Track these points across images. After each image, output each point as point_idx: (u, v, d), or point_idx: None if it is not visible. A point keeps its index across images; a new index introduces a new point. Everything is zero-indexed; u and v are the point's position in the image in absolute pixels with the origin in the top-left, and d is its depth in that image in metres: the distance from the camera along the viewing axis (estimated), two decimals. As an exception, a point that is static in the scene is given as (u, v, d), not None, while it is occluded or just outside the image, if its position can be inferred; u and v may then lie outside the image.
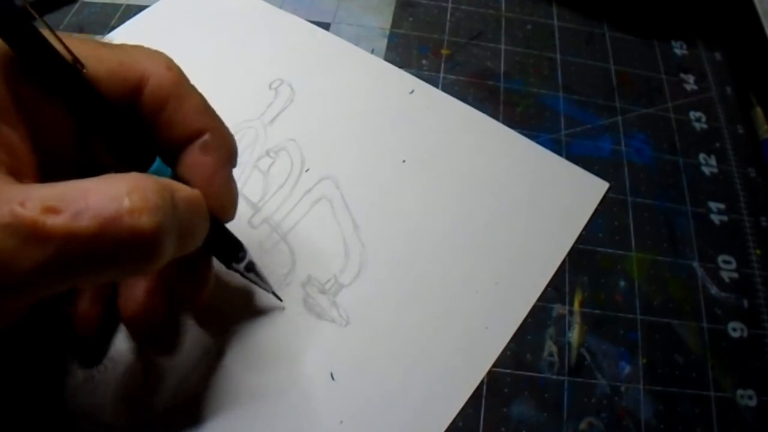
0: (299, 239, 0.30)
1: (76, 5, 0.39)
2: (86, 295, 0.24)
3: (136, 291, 0.24)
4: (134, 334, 0.26)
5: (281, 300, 0.27)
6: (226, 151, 0.23)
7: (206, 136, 0.22)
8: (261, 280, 0.26)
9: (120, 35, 0.37)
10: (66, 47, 0.19)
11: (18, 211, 0.15)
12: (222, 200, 0.23)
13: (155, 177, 0.18)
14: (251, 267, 0.25)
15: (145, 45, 0.23)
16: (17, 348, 0.25)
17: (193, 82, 0.22)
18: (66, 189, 0.16)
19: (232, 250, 0.25)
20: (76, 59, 0.19)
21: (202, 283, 0.24)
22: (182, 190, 0.19)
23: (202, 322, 0.27)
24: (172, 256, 0.18)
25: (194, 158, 0.22)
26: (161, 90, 0.21)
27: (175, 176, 0.21)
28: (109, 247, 0.16)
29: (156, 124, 0.22)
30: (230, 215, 0.24)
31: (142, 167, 0.20)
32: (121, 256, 0.16)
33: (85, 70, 0.19)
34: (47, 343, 0.25)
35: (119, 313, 0.25)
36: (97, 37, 0.37)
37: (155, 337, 0.26)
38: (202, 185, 0.21)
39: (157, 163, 0.21)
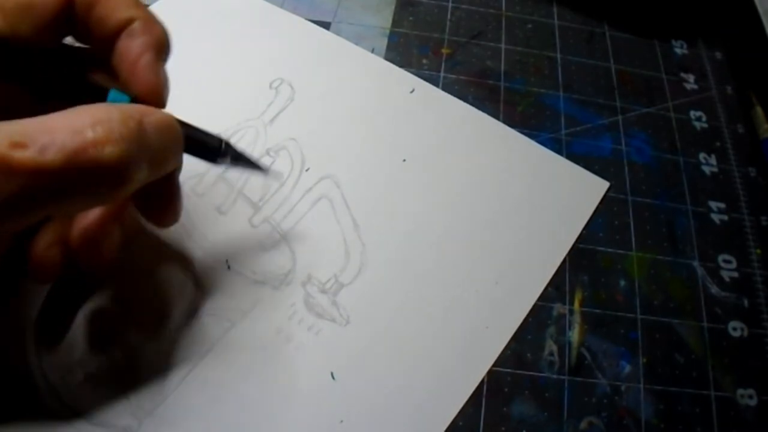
0: (300, 238, 0.30)
1: (76, 4, 0.39)
2: (43, 237, 0.23)
3: (86, 220, 0.23)
4: (82, 262, 0.24)
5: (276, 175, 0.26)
6: (154, 36, 0.23)
7: (134, 24, 0.22)
8: (251, 164, 0.26)
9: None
10: None
11: None
12: (149, 85, 0.22)
13: (121, 105, 0.18)
14: (238, 156, 0.25)
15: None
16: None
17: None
18: (32, 124, 0.17)
19: (212, 146, 0.24)
20: None
21: (170, 200, 0.24)
22: (151, 114, 0.20)
23: (203, 320, 0.27)
24: (147, 179, 0.19)
25: (121, 45, 0.22)
26: None
27: (135, 100, 0.21)
28: (76, 178, 0.17)
29: (89, 24, 0.22)
30: (161, 101, 0.23)
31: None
32: (89, 186, 0.17)
33: None
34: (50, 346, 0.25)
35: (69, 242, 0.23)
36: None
37: (102, 265, 0.24)
38: (128, 70, 0.22)
39: (112, 93, 0.21)
